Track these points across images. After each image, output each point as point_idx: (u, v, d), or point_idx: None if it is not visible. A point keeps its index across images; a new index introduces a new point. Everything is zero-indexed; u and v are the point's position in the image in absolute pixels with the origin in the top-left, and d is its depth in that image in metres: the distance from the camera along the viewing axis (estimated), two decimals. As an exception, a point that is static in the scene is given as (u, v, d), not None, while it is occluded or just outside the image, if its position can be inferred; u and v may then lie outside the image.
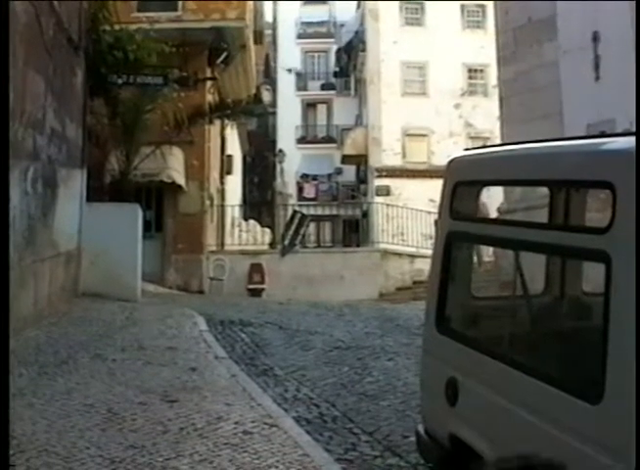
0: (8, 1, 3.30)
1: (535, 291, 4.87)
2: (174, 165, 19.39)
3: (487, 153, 5.08)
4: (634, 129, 11.38)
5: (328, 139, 44.69)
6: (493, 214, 14.89)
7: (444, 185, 4.89)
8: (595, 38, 13.86)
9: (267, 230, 27.68)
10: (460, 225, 4.77)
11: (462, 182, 4.81)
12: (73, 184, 14.13)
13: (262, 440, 6.42)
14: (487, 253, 15.31)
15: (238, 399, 7.63)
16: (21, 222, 10.66)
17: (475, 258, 5.01)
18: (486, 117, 31.31)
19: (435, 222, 4.79)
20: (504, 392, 4.03)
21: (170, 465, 5.51)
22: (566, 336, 4.35)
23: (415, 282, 21.34)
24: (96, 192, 15.96)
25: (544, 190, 4.93)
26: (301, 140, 44.90)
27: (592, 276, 4.05)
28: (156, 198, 20.15)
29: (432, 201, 20.42)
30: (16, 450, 5.70)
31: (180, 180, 19.68)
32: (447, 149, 27.89)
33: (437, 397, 4.59)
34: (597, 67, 13.85)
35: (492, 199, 13.82)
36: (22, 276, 10.71)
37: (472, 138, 33.91)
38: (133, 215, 15.30)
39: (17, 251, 10.43)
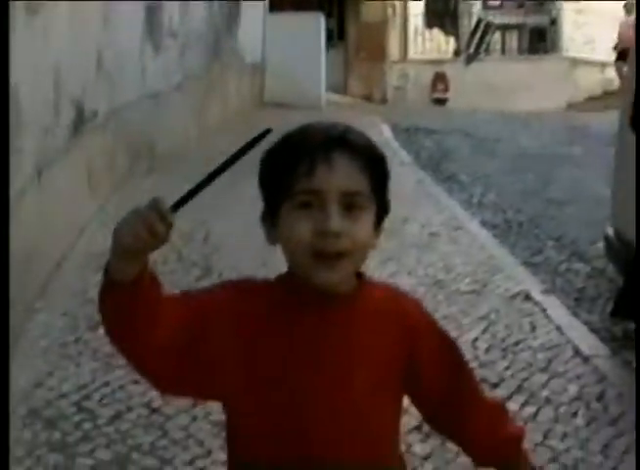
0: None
1: None
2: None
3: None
4: None
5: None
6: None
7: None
8: None
9: (451, 39, 26.95)
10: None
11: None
12: (256, -6, 14.14)
13: (448, 241, 6.52)
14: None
15: (424, 202, 7.72)
16: (207, 33, 10.84)
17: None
18: None
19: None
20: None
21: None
22: None
23: (606, 93, 20.44)
24: (278, 1, 15.89)
25: None
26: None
27: None
28: (337, 6, 19.89)
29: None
30: (213, 248, 6.03)
31: (362, -13, 19.30)
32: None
33: (631, 198, 4.48)
34: None
35: None
36: (210, 85, 11.01)
37: None
38: (316, 24, 15.20)
39: (205, 61, 10.67)
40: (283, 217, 1.43)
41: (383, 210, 1.51)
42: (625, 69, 16.89)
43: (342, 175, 1.40)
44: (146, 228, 1.26)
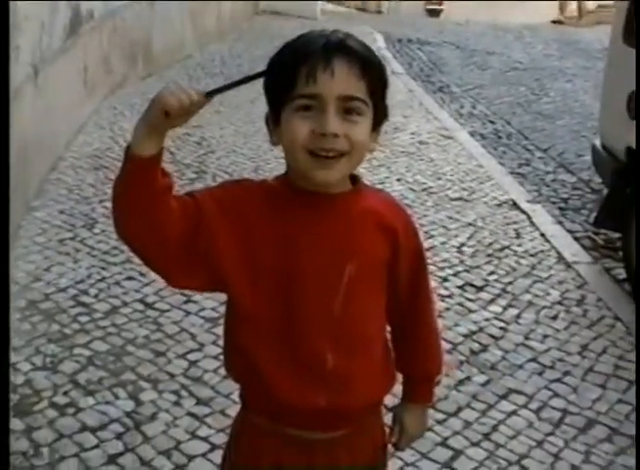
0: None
1: None
2: None
3: None
4: None
5: None
6: None
7: None
8: None
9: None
10: None
11: None
12: None
13: (438, 150, 6.52)
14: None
15: (415, 112, 7.69)
16: None
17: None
18: None
19: None
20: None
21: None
22: None
23: (599, 6, 20.12)
24: None
25: None
26: None
27: None
28: None
29: None
30: (207, 151, 6.02)
31: None
32: None
33: (618, 110, 4.45)
34: None
35: None
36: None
37: None
38: None
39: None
40: (284, 119, 1.47)
41: (381, 115, 1.53)
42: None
43: (340, 81, 1.43)
44: (186, 94, 1.35)
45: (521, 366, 3.42)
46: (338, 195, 1.52)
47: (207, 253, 1.48)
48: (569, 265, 4.47)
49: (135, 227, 1.44)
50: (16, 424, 2.76)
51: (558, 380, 3.34)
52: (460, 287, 4.10)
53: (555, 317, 3.86)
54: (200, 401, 2.99)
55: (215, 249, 1.48)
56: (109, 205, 1.45)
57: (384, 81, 1.52)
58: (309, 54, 1.43)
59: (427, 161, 6.18)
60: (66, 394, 2.97)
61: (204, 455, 2.70)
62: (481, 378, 3.31)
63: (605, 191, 4.86)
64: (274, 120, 1.51)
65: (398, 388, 1.73)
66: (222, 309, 1.63)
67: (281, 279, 1.51)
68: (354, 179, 1.57)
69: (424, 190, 5.51)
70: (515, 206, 5.34)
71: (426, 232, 4.68)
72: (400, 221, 1.60)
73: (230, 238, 1.49)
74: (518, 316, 3.84)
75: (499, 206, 5.33)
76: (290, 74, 1.44)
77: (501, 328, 3.72)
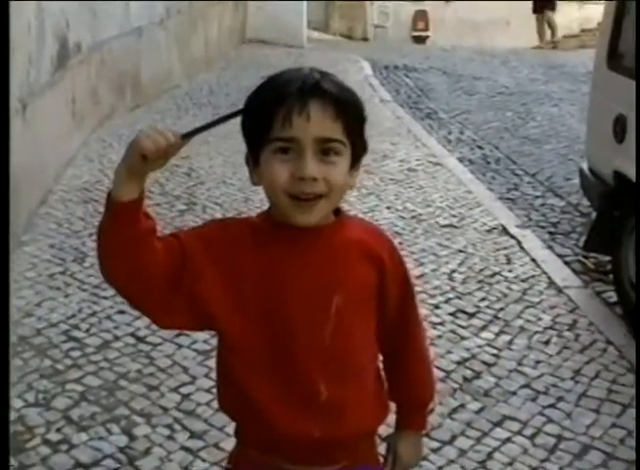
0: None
1: None
2: None
3: None
4: None
5: None
6: None
7: None
8: None
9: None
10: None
11: None
12: None
13: (427, 177, 6.54)
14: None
15: (403, 139, 7.71)
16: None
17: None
18: None
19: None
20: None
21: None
22: None
23: (583, 30, 20.29)
24: None
25: None
26: None
27: None
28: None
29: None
30: (196, 182, 6.03)
31: None
32: None
33: (604, 134, 4.49)
34: None
35: None
36: (192, 21, 10.87)
37: None
38: (297, -39, 14.93)
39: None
40: (264, 161, 1.49)
41: (359, 150, 1.56)
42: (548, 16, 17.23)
43: (316, 123, 1.45)
44: (162, 136, 1.36)
45: (514, 393, 3.42)
46: (321, 228, 1.54)
47: (193, 291, 1.49)
48: (560, 290, 4.48)
49: (119, 270, 1.45)
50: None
51: (552, 406, 3.35)
52: (452, 314, 4.11)
53: (547, 342, 3.87)
54: (193, 435, 2.99)
55: (202, 286, 1.49)
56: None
57: (361, 119, 1.54)
58: (285, 97, 1.44)
59: (416, 188, 6.21)
60: (59, 430, 2.97)
61: (198, 489, 2.70)
62: (475, 405, 3.31)
63: (594, 214, 4.89)
64: (253, 161, 1.52)
65: (392, 417, 1.73)
66: (214, 342, 1.64)
67: (268, 313, 1.52)
68: (337, 210, 1.58)
69: (413, 217, 5.53)
70: (505, 231, 5.36)
71: (416, 260, 4.69)
72: (385, 249, 1.62)
73: (216, 275, 1.50)
74: (510, 342, 3.85)
75: (489, 231, 5.35)
76: (266, 117, 1.46)
77: (494, 355, 3.73)
